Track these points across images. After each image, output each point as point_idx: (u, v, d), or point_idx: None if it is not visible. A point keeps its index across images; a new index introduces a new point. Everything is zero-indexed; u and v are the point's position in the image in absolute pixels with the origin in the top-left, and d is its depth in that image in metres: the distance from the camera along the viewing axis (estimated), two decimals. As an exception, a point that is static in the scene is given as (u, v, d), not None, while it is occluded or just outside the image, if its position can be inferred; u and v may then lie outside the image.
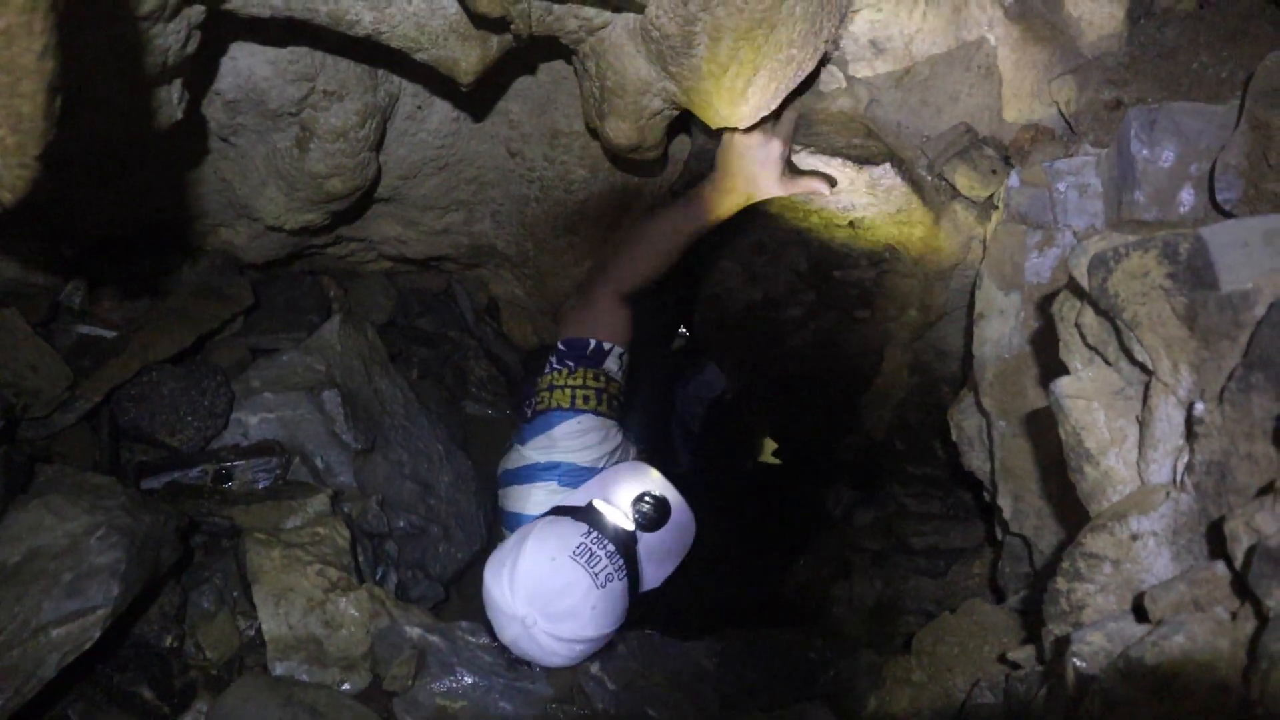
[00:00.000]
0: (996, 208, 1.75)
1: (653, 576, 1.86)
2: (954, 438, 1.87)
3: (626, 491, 1.87)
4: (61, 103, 1.00)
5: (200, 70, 1.67)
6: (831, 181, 1.86)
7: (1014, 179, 1.69)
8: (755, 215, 1.96)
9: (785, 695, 1.63)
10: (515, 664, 1.76)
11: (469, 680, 1.72)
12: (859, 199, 1.85)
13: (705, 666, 1.66)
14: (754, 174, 1.83)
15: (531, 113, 2.03)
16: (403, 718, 1.70)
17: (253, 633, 1.83)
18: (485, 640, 1.77)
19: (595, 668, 1.73)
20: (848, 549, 2.46)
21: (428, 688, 1.72)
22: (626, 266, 2.01)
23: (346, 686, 1.74)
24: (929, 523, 2.35)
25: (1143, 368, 1.16)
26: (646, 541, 1.83)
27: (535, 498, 1.99)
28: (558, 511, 1.85)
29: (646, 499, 1.86)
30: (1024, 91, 1.74)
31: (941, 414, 2.16)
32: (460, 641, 1.77)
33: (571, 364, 1.97)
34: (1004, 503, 1.74)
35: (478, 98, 1.95)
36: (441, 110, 1.98)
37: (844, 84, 1.79)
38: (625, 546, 1.76)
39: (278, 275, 2.47)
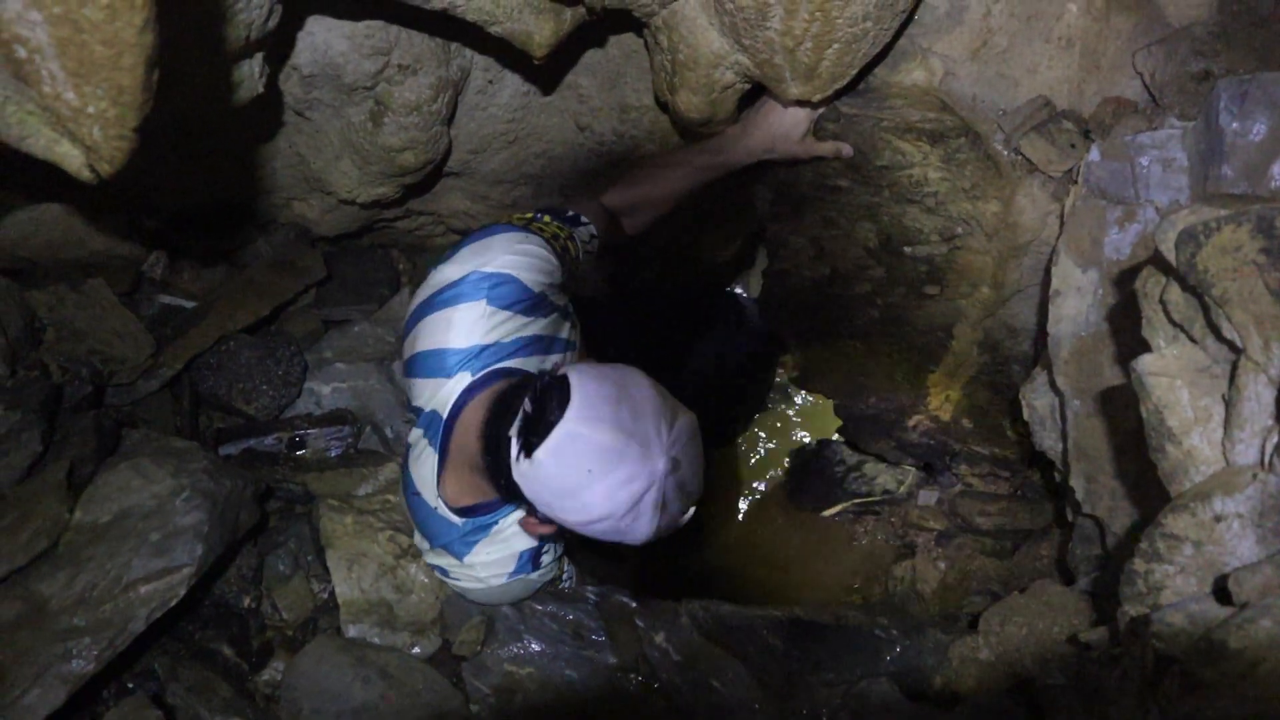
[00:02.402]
0: (1075, 183, 1.71)
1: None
2: (1025, 417, 1.84)
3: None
4: (158, 77, 1.03)
5: (279, 44, 1.70)
6: (852, 150, 1.84)
7: (1094, 153, 1.65)
8: (825, 189, 1.94)
9: (851, 672, 1.63)
10: (579, 633, 1.79)
11: (536, 648, 1.75)
12: (932, 174, 1.82)
13: (771, 641, 1.67)
14: (778, 128, 1.82)
15: (601, 87, 2.03)
16: (471, 682, 1.73)
17: (326, 596, 1.89)
18: (552, 609, 1.80)
19: (660, 638, 1.75)
20: (911, 529, 2.45)
21: (496, 654, 1.75)
22: (628, 179, 1.95)
23: (416, 650, 1.78)
24: (996, 503, 2.32)
25: (1231, 345, 1.13)
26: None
27: (461, 322, 1.59)
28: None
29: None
30: (1106, 63, 1.69)
31: (1012, 393, 2.13)
32: (528, 609, 1.80)
33: (542, 214, 1.73)
34: (1076, 483, 1.71)
35: (548, 72, 1.96)
36: (512, 84, 1.99)
37: (919, 56, 1.76)
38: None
39: (348, 249, 2.52)
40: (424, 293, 1.65)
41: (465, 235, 1.75)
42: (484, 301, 1.58)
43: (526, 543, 1.71)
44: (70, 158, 1.13)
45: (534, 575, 1.76)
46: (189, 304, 2.17)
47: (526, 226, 1.67)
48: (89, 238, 2.02)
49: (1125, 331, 1.59)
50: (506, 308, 1.60)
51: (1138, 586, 1.27)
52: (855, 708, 1.54)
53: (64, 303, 1.93)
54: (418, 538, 1.83)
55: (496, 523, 1.70)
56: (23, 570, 1.51)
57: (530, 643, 1.75)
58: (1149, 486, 1.52)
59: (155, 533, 1.57)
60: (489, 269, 1.59)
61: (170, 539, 1.58)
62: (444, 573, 1.78)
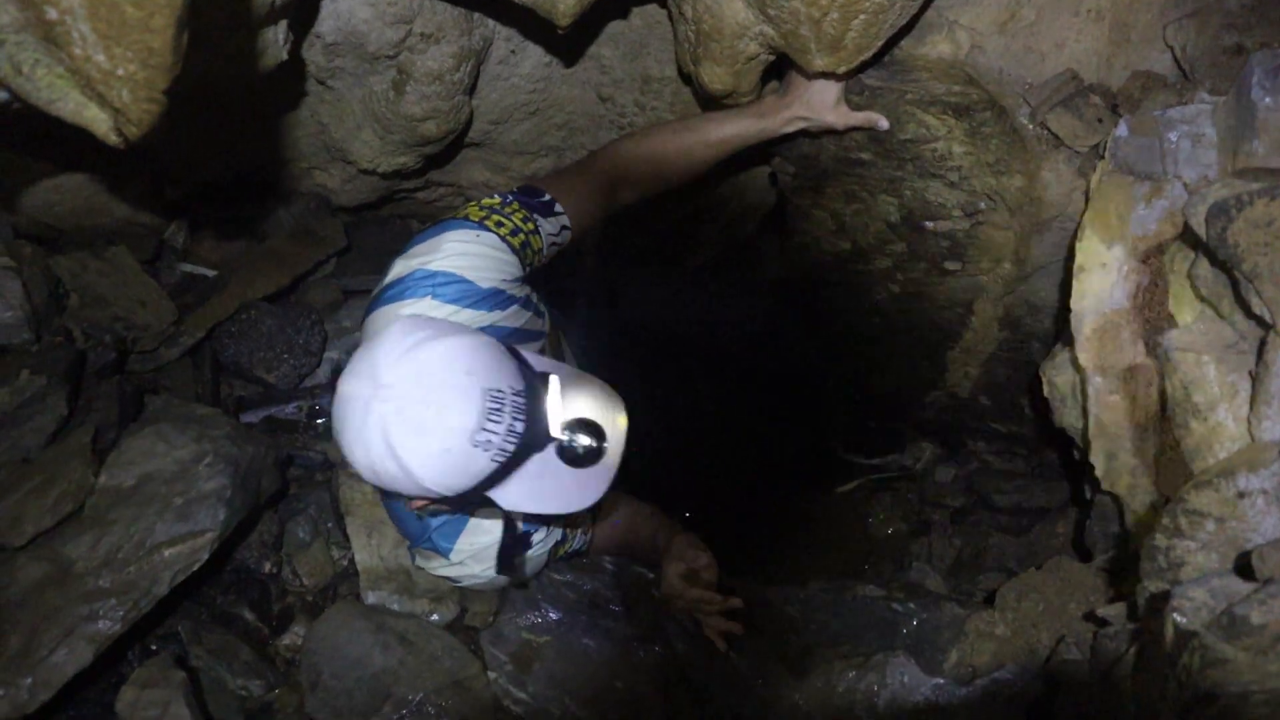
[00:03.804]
0: (1101, 158, 1.69)
1: (513, 498, 1.41)
2: (1045, 394, 1.84)
3: (581, 404, 1.43)
4: (187, 39, 1.03)
5: (303, 11, 1.69)
6: (887, 122, 1.79)
7: (1122, 128, 1.63)
8: (847, 163, 1.93)
9: (867, 646, 1.64)
10: (596, 603, 1.81)
11: (554, 616, 1.77)
12: (956, 148, 1.81)
13: (788, 613, 1.68)
14: (815, 97, 1.78)
15: (624, 58, 2.02)
16: (489, 650, 1.75)
17: (345, 562, 1.91)
18: (569, 578, 1.81)
19: (675, 610, 1.76)
20: (927, 506, 2.45)
21: (514, 622, 1.77)
22: (649, 134, 1.87)
23: (435, 618, 1.80)
24: (1012, 480, 2.32)
25: (1260, 321, 1.12)
26: (546, 463, 1.40)
27: (399, 316, 1.53)
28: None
29: (587, 431, 1.41)
30: (1136, 37, 1.67)
31: (1031, 370, 2.12)
32: (546, 579, 1.81)
33: (512, 199, 1.68)
34: (1096, 460, 1.70)
35: (571, 42, 1.95)
36: (534, 55, 1.98)
37: (945, 29, 1.74)
38: (527, 443, 1.36)
39: (367, 219, 2.52)
40: (376, 289, 1.64)
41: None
42: (429, 298, 1.57)
43: (508, 528, 1.67)
44: (98, 121, 1.13)
45: (530, 554, 1.71)
46: (210, 273, 2.18)
47: (482, 222, 1.63)
48: (112, 206, 2.03)
49: (1150, 308, 1.58)
50: (452, 303, 1.59)
51: (1158, 562, 1.27)
52: (872, 681, 1.55)
53: (87, 269, 1.94)
54: (410, 555, 1.80)
55: (470, 517, 1.66)
56: (50, 532, 1.53)
57: (548, 611, 1.77)
58: (1170, 464, 1.51)
59: (178, 497, 1.59)
60: (433, 267, 1.59)
61: (193, 504, 1.60)
62: (450, 579, 1.73)
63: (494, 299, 1.62)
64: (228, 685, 1.67)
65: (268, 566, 1.85)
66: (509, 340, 1.62)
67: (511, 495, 1.38)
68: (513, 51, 1.96)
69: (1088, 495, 1.85)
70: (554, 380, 1.41)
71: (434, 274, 1.58)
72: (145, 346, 1.96)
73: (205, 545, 1.57)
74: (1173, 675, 1.11)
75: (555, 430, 1.38)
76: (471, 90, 1.96)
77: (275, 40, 1.58)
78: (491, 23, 1.88)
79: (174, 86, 1.06)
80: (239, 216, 2.26)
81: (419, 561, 1.76)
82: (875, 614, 1.68)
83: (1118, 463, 1.69)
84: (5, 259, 1.74)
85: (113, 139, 1.16)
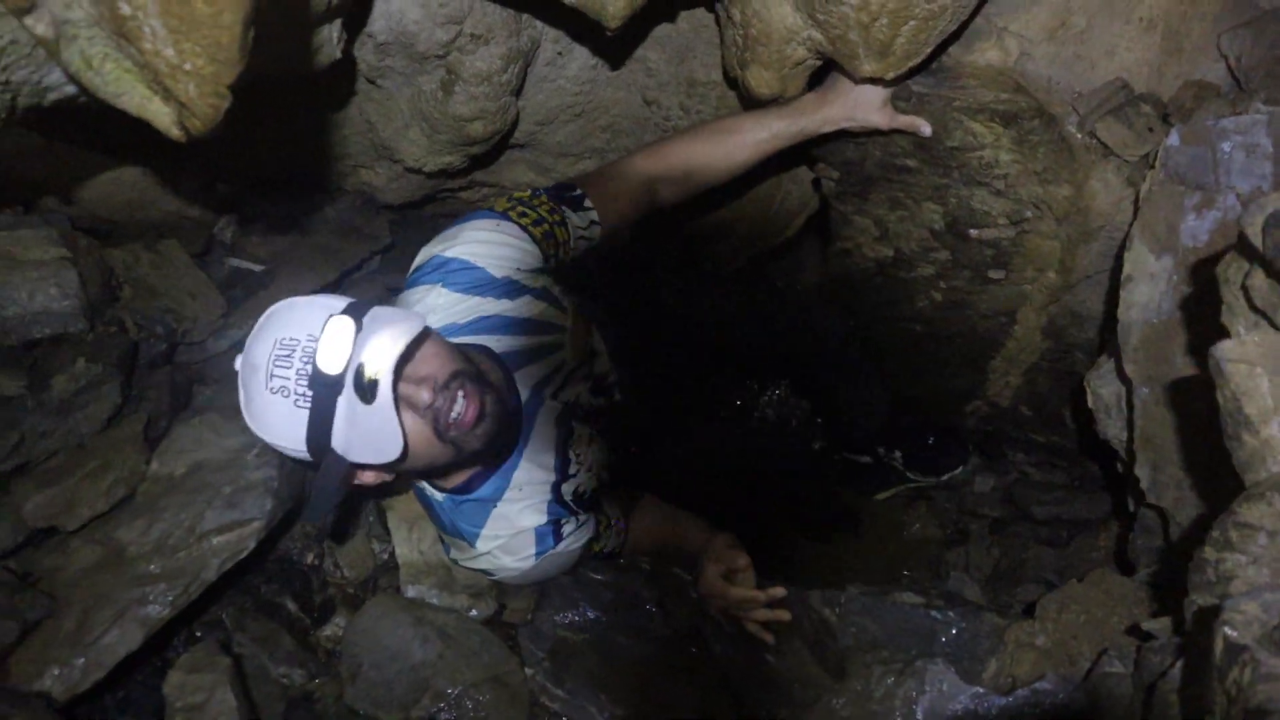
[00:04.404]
0: (1152, 168, 1.68)
1: (342, 445, 1.35)
2: (1090, 405, 1.82)
3: (392, 335, 1.32)
4: (253, 35, 1.06)
5: (357, 11, 1.72)
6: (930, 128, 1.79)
7: (1173, 137, 1.62)
8: (893, 169, 1.92)
9: (906, 652, 1.63)
10: (634, 603, 1.81)
11: (591, 615, 1.78)
12: (1003, 156, 1.80)
13: (826, 617, 1.68)
14: (860, 96, 1.77)
15: (669, 61, 2.03)
16: (526, 645, 1.76)
17: (386, 556, 1.93)
18: (607, 578, 1.82)
19: (714, 610, 1.76)
20: (965, 515, 2.43)
21: (551, 619, 1.78)
22: (687, 134, 1.87)
23: (474, 613, 1.82)
24: (1052, 492, 2.30)
25: (1317, 333, 1.11)
26: (353, 406, 1.32)
27: (417, 304, 1.63)
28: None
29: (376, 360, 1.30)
30: (1189, 45, 1.66)
31: (1074, 381, 2.11)
32: (584, 577, 1.82)
33: (541, 192, 1.74)
34: (1142, 473, 1.69)
35: (617, 45, 1.96)
36: (581, 57, 2.00)
37: (994, 36, 1.73)
38: (323, 385, 1.32)
39: (410, 218, 2.55)
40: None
41: None
42: (440, 285, 1.63)
43: (535, 519, 1.69)
44: (162, 115, 1.16)
45: (563, 547, 1.72)
46: (258, 267, 2.21)
47: (506, 212, 1.68)
48: (164, 200, 2.07)
49: (1199, 320, 1.57)
50: (463, 291, 1.64)
51: (1207, 575, 1.25)
52: (910, 687, 1.55)
53: (140, 262, 1.98)
54: (445, 548, 1.81)
55: (494, 504, 1.67)
56: (103, 517, 1.57)
57: (586, 610, 1.78)
58: (1219, 477, 1.49)
59: (227, 486, 1.62)
60: (448, 254, 1.65)
61: (241, 493, 1.63)
62: (483, 572, 1.75)
63: (505, 288, 1.66)
64: (270, 673, 1.70)
65: (310, 558, 1.88)
66: (514, 332, 1.67)
67: (340, 442, 1.35)
68: (560, 53, 1.98)
69: (1131, 508, 1.83)
70: (334, 321, 1.34)
71: (448, 261, 1.65)
72: (194, 338, 2.00)
73: (252, 534, 1.60)
74: (1221, 690, 1.10)
75: (328, 367, 1.30)
76: (518, 91, 1.98)
77: (330, 38, 1.61)
78: (540, 24, 1.90)
79: (239, 82, 1.08)
80: (287, 212, 2.30)
81: (453, 554, 1.78)
82: (914, 621, 1.67)
83: (1164, 475, 1.67)
84: (62, 250, 1.78)
85: (175, 133, 1.18)
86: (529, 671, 1.73)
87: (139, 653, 1.49)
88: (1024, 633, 1.63)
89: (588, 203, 1.77)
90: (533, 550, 1.71)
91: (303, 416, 1.33)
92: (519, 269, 1.68)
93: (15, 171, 1.82)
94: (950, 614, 1.65)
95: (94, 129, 1.70)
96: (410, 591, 1.84)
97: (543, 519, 1.70)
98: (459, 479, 1.67)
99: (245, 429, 1.42)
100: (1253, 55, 1.54)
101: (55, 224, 1.78)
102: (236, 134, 1.95)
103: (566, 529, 1.73)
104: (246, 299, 2.12)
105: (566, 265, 1.78)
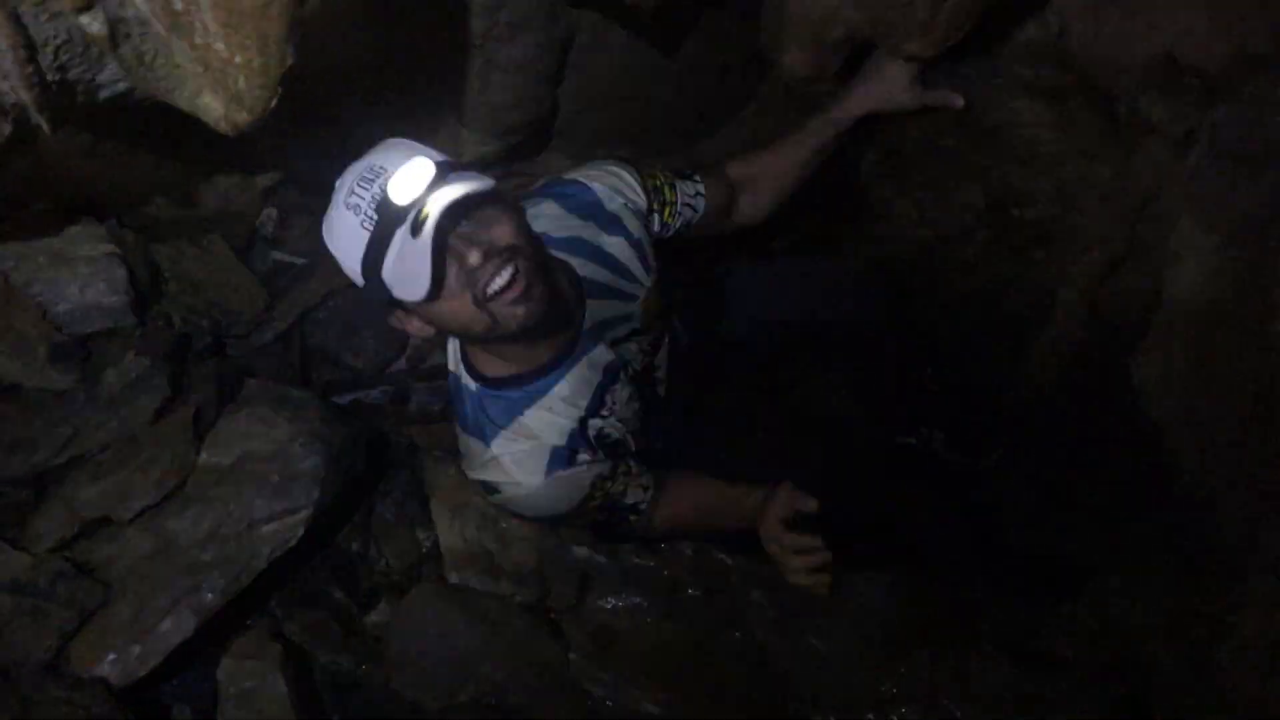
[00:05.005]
0: (1198, 142, 1.65)
1: (389, 277, 1.39)
2: (1134, 384, 1.80)
3: (459, 185, 1.34)
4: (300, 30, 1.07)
5: (396, 4, 1.73)
6: (963, 100, 1.79)
7: (1220, 112, 1.59)
8: (932, 149, 1.91)
9: (950, 635, 1.63)
10: (676, 587, 1.82)
11: (634, 600, 1.79)
12: (1045, 133, 1.78)
13: (871, 600, 1.68)
14: (886, 76, 1.77)
15: (704, 47, 2.02)
16: (570, 631, 1.78)
17: (430, 544, 1.95)
18: (651, 563, 1.83)
19: (757, 594, 1.76)
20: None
21: (594, 605, 1.79)
22: (746, 152, 1.92)
23: (518, 599, 1.83)
24: (1095, 475, 2.27)
25: (1376, 307, 1.09)
26: (404, 240, 1.35)
27: (528, 211, 1.65)
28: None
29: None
30: (1236, 17, 1.63)
31: (1118, 361, 2.08)
32: (626, 563, 1.83)
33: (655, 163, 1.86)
34: (1189, 455, 1.67)
35: (653, 32, 1.96)
36: (617, 44, 1.99)
37: (1036, 11, 1.71)
38: (388, 213, 1.37)
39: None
40: None
41: None
42: (551, 200, 1.71)
43: (556, 439, 1.65)
44: (211, 109, 1.18)
45: (573, 473, 1.67)
46: (299, 260, 2.23)
47: (624, 160, 1.77)
48: (207, 195, 2.10)
49: (1249, 296, 1.54)
50: (570, 209, 1.70)
51: (1261, 556, 1.24)
52: (958, 670, 1.54)
53: (185, 256, 2.01)
54: (462, 451, 1.75)
55: (523, 410, 1.65)
56: (155, 508, 1.60)
57: (629, 595, 1.79)
58: (1271, 457, 1.48)
59: (275, 475, 1.65)
60: (569, 176, 1.74)
61: (289, 482, 1.65)
62: (486, 487, 1.69)
63: (609, 221, 1.71)
64: (319, 660, 1.73)
65: (355, 546, 1.90)
66: (600, 263, 1.70)
67: (388, 274, 1.38)
68: (596, 41, 1.97)
69: (1177, 490, 1.81)
70: (417, 160, 1.37)
71: (566, 182, 1.73)
72: (239, 332, 2.03)
73: (300, 522, 1.62)
74: (1277, 673, 1.09)
75: (396, 197, 1.34)
76: (556, 79, 1.98)
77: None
78: (576, 12, 1.90)
79: (288, 74, 1.09)
80: (325, 204, 2.31)
81: (464, 462, 1.73)
82: (958, 604, 1.67)
83: (1211, 457, 1.65)
84: (110, 246, 1.81)
85: (223, 127, 1.20)
86: (572, 657, 1.74)
87: (193, 640, 1.52)
88: (1070, 615, 1.62)
89: (696, 176, 1.83)
90: (544, 466, 1.65)
91: (364, 237, 1.38)
92: (627, 208, 1.74)
93: (64, 169, 1.85)
94: (995, 596, 1.64)
95: (141, 126, 1.72)
96: (454, 578, 1.85)
97: (562, 442, 1.67)
98: (497, 368, 1.65)
99: (290, 420, 1.44)
100: (1303, 25, 1.51)
101: (103, 221, 1.81)
102: (277, 126, 1.99)
103: (581, 458, 1.69)
104: (289, 291, 2.14)
105: (667, 237, 1.83)
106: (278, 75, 1.07)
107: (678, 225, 1.81)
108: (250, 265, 2.14)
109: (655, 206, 1.77)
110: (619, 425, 1.75)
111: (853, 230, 2.23)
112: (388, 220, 1.35)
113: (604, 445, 1.72)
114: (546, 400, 1.64)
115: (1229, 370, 1.59)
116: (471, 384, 1.66)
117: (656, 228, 1.79)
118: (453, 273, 1.39)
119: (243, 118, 1.14)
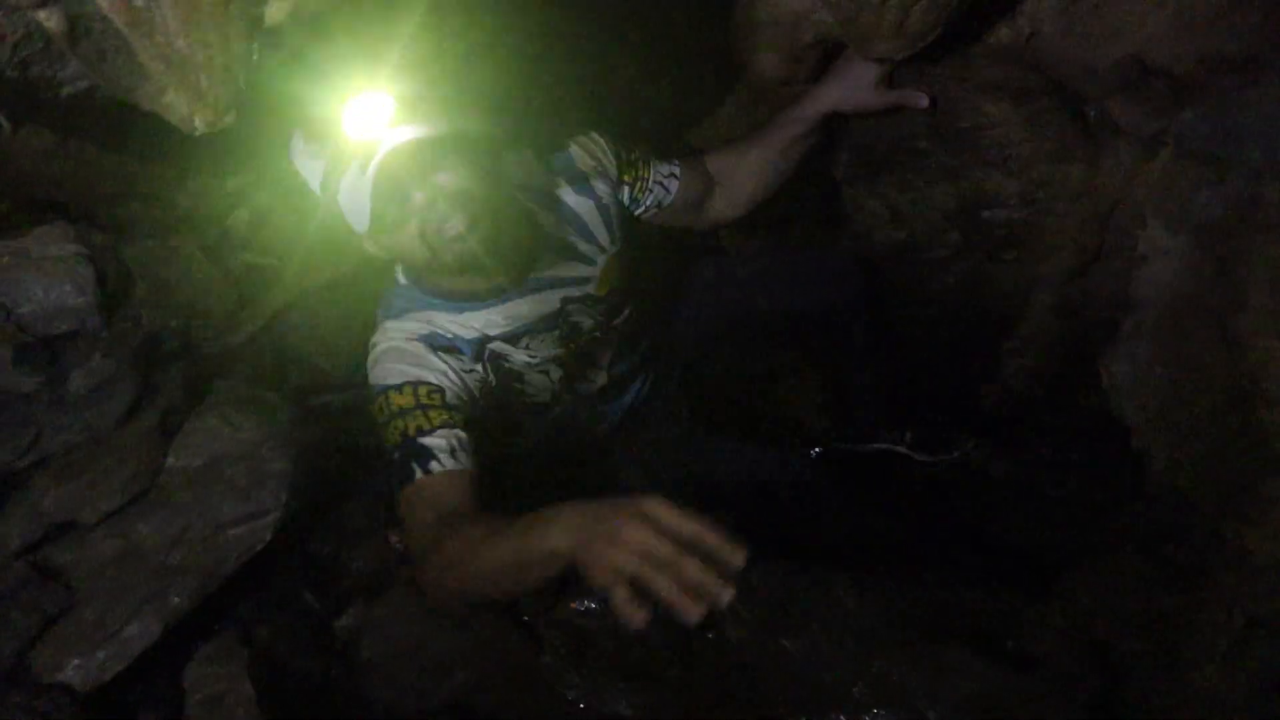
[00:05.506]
0: (1165, 144, 1.67)
1: (345, 201, 1.50)
2: (1105, 384, 1.82)
3: (414, 128, 1.43)
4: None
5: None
6: (928, 99, 1.82)
7: (1187, 113, 1.61)
8: (904, 151, 1.92)
9: (922, 635, 1.63)
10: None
11: (607, 602, 1.77)
12: (1015, 135, 1.79)
13: (844, 601, 1.67)
14: (848, 77, 1.80)
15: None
16: (544, 634, 1.76)
17: (402, 547, 1.93)
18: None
19: (727, 598, 1.75)
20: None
21: (568, 607, 1.78)
22: (721, 147, 1.97)
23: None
24: (1067, 473, 2.29)
25: (1337, 305, 1.10)
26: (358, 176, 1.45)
27: None
28: None
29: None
30: (1204, 19, 1.64)
31: (1088, 361, 2.09)
32: (599, 564, 1.82)
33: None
34: (1158, 452, 1.69)
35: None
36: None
37: (1006, 12, 1.72)
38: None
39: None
40: None
41: None
42: (529, 149, 1.76)
43: (448, 330, 1.73)
44: (175, 108, 1.16)
45: (431, 355, 1.70)
46: (270, 262, 2.22)
47: (601, 129, 1.82)
48: (176, 196, 2.08)
49: (1216, 295, 1.56)
50: (545, 166, 1.76)
51: (1227, 551, 1.25)
52: (931, 667, 1.54)
53: (154, 258, 1.98)
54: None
55: (437, 311, 1.72)
56: (121, 511, 1.58)
57: (602, 597, 1.78)
58: (1237, 454, 1.49)
59: (243, 479, 1.63)
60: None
61: (257, 485, 1.64)
62: (375, 349, 1.76)
63: (578, 181, 1.78)
64: (288, 664, 1.71)
65: (326, 549, 1.88)
66: (564, 218, 1.76)
67: (343, 200, 1.49)
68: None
69: (1147, 487, 1.82)
70: (386, 102, 1.42)
71: (545, 146, 1.77)
72: (208, 333, 2.01)
73: (269, 526, 1.61)
74: (1241, 664, 1.10)
75: (353, 132, 1.42)
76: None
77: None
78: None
79: (251, 73, 1.08)
80: (298, 206, 2.30)
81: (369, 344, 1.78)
82: (932, 601, 1.67)
83: (1180, 453, 1.66)
84: (78, 247, 1.79)
85: (187, 126, 1.19)
86: (546, 660, 1.73)
87: (159, 645, 1.50)
88: (1041, 613, 1.63)
89: (674, 160, 1.87)
90: (416, 334, 1.71)
91: (320, 165, 1.51)
92: (597, 170, 1.79)
93: (30, 169, 1.83)
94: (967, 594, 1.65)
95: (108, 125, 1.70)
96: (427, 581, 1.84)
97: (449, 334, 1.72)
98: (435, 285, 1.73)
99: (259, 423, 1.45)
100: (1268, 26, 1.53)
101: (72, 221, 1.79)
102: (245, 125, 1.97)
103: (451, 360, 1.69)
104: (260, 293, 2.13)
105: (638, 213, 1.88)
106: (242, 74, 1.06)
107: (647, 202, 1.86)
108: (220, 266, 2.12)
109: (627, 179, 1.82)
110: (524, 365, 1.80)
111: (824, 231, 2.24)
112: (343, 152, 1.45)
113: (494, 367, 1.76)
114: (466, 316, 1.72)
115: (1197, 369, 1.60)
116: (403, 279, 1.76)
117: (626, 200, 1.84)
118: (396, 209, 1.48)
119: (206, 115, 1.13)
